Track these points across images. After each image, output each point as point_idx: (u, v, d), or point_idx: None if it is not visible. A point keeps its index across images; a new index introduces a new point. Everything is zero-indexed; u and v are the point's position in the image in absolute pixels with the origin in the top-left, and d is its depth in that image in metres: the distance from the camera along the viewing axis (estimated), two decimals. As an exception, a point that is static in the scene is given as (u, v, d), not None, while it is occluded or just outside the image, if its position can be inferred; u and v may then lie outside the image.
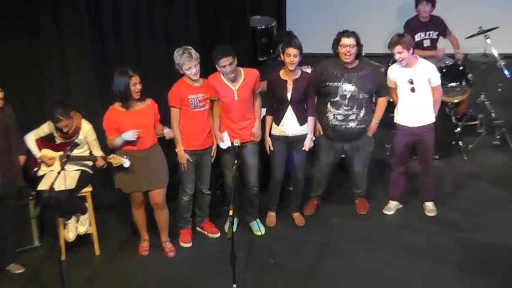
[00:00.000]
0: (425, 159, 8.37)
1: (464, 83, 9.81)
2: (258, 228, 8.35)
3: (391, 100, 8.44)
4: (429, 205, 8.56)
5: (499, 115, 9.93)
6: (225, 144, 7.89)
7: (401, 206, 8.68)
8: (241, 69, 7.86)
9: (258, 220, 8.42)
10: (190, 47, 7.69)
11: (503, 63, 9.58)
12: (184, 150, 7.86)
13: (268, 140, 8.11)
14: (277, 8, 11.34)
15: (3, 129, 7.34)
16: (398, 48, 7.89)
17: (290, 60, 7.78)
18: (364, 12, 11.25)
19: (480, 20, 9.87)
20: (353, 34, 7.95)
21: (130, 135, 7.45)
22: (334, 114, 8.15)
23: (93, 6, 8.60)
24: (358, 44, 7.96)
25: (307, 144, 8.12)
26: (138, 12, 8.96)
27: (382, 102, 8.23)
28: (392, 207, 8.65)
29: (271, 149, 8.12)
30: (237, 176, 7.23)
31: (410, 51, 7.99)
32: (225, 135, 7.84)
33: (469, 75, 9.87)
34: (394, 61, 8.34)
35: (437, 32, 10.26)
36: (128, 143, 7.50)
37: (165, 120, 7.85)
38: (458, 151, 9.73)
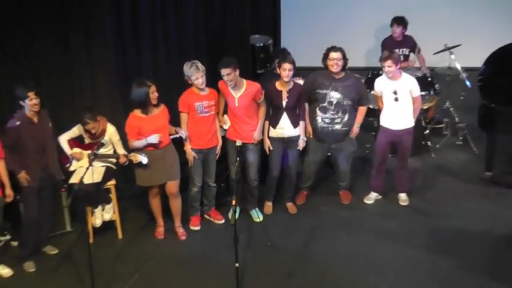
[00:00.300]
0: (403, 157, 8.36)
1: (432, 92, 9.87)
2: (257, 216, 8.37)
3: (371, 107, 8.47)
4: (402, 196, 8.58)
5: (462, 119, 9.95)
6: (226, 125, 7.97)
7: (380, 196, 8.67)
8: (244, 80, 7.86)
9: (257, 209, 8.45)
10: (198, 61, 7.72)
11: (465, 75, 9.60)
12: (191, 148, 7.89)
13: (268, 142, 8.12)
14: (273, 28, 11.33)
15: (40, 131, 7.33)
16: (388, 62, 7.93)
17: (285, 74, 7.81)
18: (348, 32, 11.25)
19: (446, 38, 9.89)
20: (340, 49, 7.96)
21: (153, 138, 7.49)
22: (322, 118, 8.16)
23: (117, 22, 8.57)
24: (344, 58, 7.96)
25: (301, 144, 8.17)
26: (155, 30, 8.92)
27: (362, 110, 8.23)
28: (372, 197, 8.66)
29: (271, 149, 8.14)
30: (239, 171, 7.26)
31: (398, 66, 8.02)
32: (226, 117, 7.92)
33: (436, 86, 9.93)
34: (373, 74, 8.39)
35: (408, 49, 10.30)
36: (149, 144, 7.54)
37: (176, 123, 7.88)
38: (427, 150, 9.74)
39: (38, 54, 8.28)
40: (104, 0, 8.34)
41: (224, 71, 7.62)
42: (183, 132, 7.78)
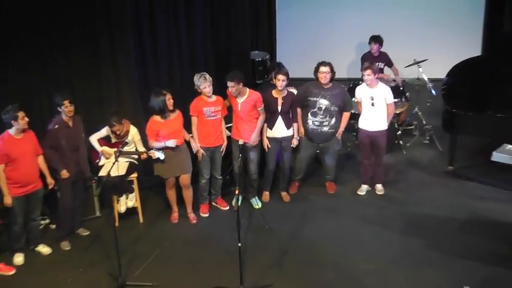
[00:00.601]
0: (379, 154, 8.37)
1: (403, 99, 9.88)
2: (256, 203, 8.43)
3: (353, 112, 8.52)
4: (379, 186, 8.58)
5: (428, 122, 9.95)
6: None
7: (370, 188, 8.62)
8: (247, 89, 7.93)
9: (256, 197, 8.48)
10: (206, 73, 7.80)
11: (431, 85, 9.61)
12: (200, 146, 7.95)
13: (266, 141, 8.16)
14: (270, 45, 11.36)
15: (74, 133, 7.40)
16: (368, 71, 8.00)
17: (280, 84, 7.89)
18: (333, 48, 11.21)
19: (415, 54, 9.91)
20: (328, 64, 8.01)
21: (171, 143, 7.58)
22: (312, 121, 8.19)
23: (138, 39, 8.62)
24: (332, 71, 8.01)
25: (294, 142, 8.23)
26: (170, 46, 8.94)
27: (346, 116, 8.25)
28: (364, 189, 8.61)
29: (269, 147, 8.19)
30: (241, 166, 7.28)
31: (376, 76, 8.10)
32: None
33: (407, 94, 9.93)
34: (354, 83, 8.43)
35: (384, 63, 10.31)
36: (167, 147, 7.62)
37: (188, 125, 7.95)
38: (399, 148, 9.73)
39: (71, 65, 8.28)
40: (127, 20, 8.38)
41: (229, 84, 7.75)
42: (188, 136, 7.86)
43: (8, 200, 6.96)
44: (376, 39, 10.21)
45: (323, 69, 7.98)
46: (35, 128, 7.22)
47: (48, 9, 7.95)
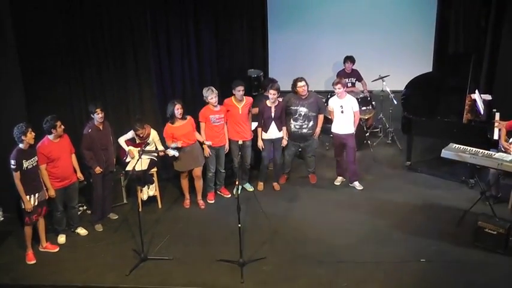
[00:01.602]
0: (351, 153, 8.27)
1: (370, 107, 9.82)
2: (250, 187, 8.42)
3: (329, 117, 8.47)
4: (357, 184, 8.39)
5: (391, 125, 9.90)
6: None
7: (344, 179, 8.54)
8: (244, 97, 7.97)
9: (249, 182, 8.49)
10: (212, 87, 7.80)
11: (392, 96, 9.54)
12: (207, 145, 7.89)
13: (261, 143, 8.14)
14: (263, 64, 11.34)
15: (104, 136, 7.36)
16: (339, 86, 7.96)
17: (272, 97, 7.89)
18: (315, 66, 11.10)
19: (379, 71, 9.87)
20: (303, 79, 8.00)
21: (177, 144, 7.53)
22: (294, 125, 8.15)
23: (157, 65, 8.65)
24: (307, 84, 7.99)
25: (284, 142, 8.20)
26: (183, 65, 8.90)
27: (321, 117, 8.19)
28: (339, 180, 8.54)
29: (263, 147, 8.16)
30: (240, 161, 7.26)
31: (345, 89, 8.07)
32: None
33: (373, 103, 9.87)
34: (332, 94, 8.38)
35: (355, 79, 10.26)
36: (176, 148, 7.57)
37: (198, 130, 7.88)
38: (367, 146, 9.69)
39: (104, 81, 8.27)
40: (148, 44, 8.36)
41: (239, 88, 7.79)
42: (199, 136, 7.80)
43: (52, 193, 6.92)
44: (350, 59, 10.16)
45: (300, 84, 7.98)
46: (71, 130, 7.20)
47: (86, 35, 8.00)
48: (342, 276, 6.39)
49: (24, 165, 6.53)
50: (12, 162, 6.47)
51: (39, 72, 7.67)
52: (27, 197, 6.62)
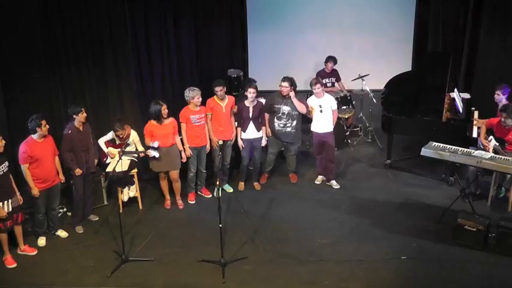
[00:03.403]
0: (329, 151, 8.33)
1: (350, 106, 9.85)
2: (229, 187, 8.42)
3: (309, 116, 8.51)
4: (334, 182, 8.44)
5: (371, 124, 9.98)
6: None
7: (325, 178, 8.57)
8: (226, 95, 8.00)
9: (228, 183, 8.48)
10: (194, 87, 7.81)
11: (372, 95, 9.63)
12: (188, 146, 7.89)
13: (241, 142, 8.16)
14: (243, 64, 11.35)
15: (85, 137, 7.30)
16: (318, 86, 8.04)
17: (250, 96, 7.93)
18: (295, 66, 11.03)
19: (359, 70, 9.92)
20: (288, 79, 8.01)
21: (155, 144, 7.54)
22: (278, 124, 8.19)
23: (137, 65, 8.61)
24: (292, 85, 8.01)
25: (264, 142, 8.24)
26: (164, 66, 8.94)
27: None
28: (319, 179, 8.58)
29: (243, 146, 8.18)
30: (221, 162, 7.26)
31: (322, 88, 8.13)
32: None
33: (353, 102, 9.91)
34: (311, 94, 8.43)
35: (335, 79, 10.28)
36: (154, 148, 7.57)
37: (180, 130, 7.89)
38: (347, 145, 9.76)
39: (84, 80, 8.22)
40: (128, 45, 8.33)
41: (218, 88, 7.84)
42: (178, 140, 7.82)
43: (35, 192, 6.87)
44: (332, 59, 10.18)
45: (283, 84, 8.02)
46: (50, 131, 7.08)
47: (65, 35, 7.93)
48: (323, 275, 6.42)
49: None
50: None
51: (17, 73, 7.62)
52: (0, 203, 6.53)
